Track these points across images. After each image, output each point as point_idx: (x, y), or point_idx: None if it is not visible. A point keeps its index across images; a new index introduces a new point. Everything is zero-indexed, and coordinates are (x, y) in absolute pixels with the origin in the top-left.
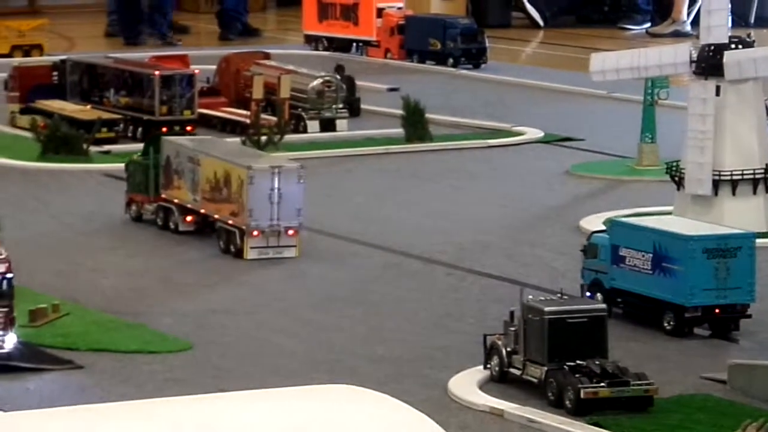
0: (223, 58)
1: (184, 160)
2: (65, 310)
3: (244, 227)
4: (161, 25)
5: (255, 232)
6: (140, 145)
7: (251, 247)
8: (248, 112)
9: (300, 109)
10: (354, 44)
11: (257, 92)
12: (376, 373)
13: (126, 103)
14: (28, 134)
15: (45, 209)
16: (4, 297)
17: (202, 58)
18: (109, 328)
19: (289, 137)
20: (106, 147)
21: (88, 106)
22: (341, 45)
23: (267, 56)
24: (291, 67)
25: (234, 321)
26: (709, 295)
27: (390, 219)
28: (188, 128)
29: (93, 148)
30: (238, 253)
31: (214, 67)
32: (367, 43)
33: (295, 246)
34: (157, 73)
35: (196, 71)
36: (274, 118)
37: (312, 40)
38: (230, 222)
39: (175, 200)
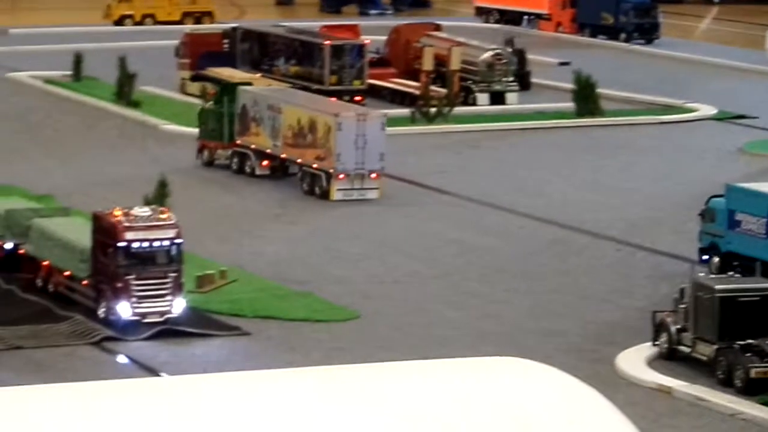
0: (394, 29)
1: (262, 108)
2: (232, 277)
3: (331, 170)
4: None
5: (341, 175)
6: None
7: (337, 189)
8: (418, 84)
9: (470, 82)
10: (525, 17)
11: (427, 64)
12: (543, 347)
13: (295, 72)
14: (197, 101)
15: (212, 176)
16: (173, 262)
17: (372, 28)
18: (276, 295)
19: (458, 109)
20: None
21: (258, 75)
22: (512, 18)
23: (437, 28)
24: (461, 39)
25: (401, 291)
26: None
27: (558, 193)
28: (357, 98)
29: None
30: (324, 195)
31: (384, 37)
32: (538, 16)
33: (377, 188)
34: (327, 42)
35: (367, 41)
36: (444, 90)
37: (483, 13)
38: (315, 166)
39: (252, 146)
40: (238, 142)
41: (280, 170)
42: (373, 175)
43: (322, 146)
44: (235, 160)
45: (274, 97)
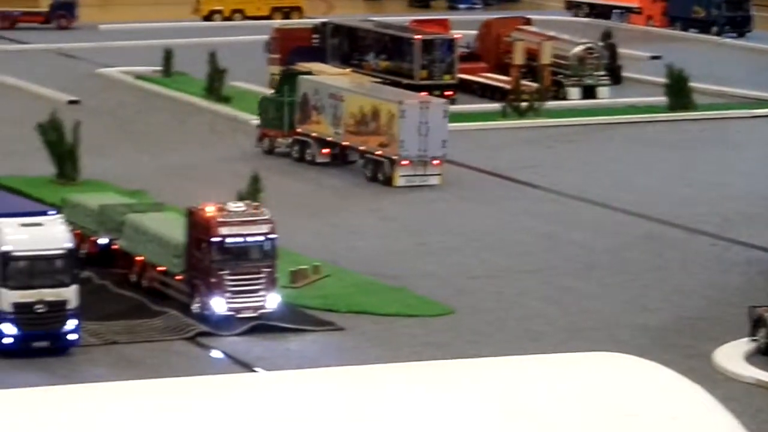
0: (484, 23)
1: (324, 97)
2: (326, 272)
3: (394, 157)
4: None
5: (405, 162)
6: None
7: (401, 175)
8: (508, 78)
9: (561, 76)
10: (615, 11)
11: (518, 58)
12: (638, 342)
13: (386, 67)
14: None
15: (303, 172)
16: (267, 257)
17: (462, 22)
18: (368, 290)
19: (549, 104)
20: None
21: (348, 70)
22: (602, 11)
23: (528, 22)
24: (552, 33)
25: (494, 286)
26: None
27: (652, 188)
28: (448, 93)
29: None
30: (387, 181)
31: (475, 32)
32: (629, 10)
33: (439, 174)
34: (418, 37)
35: (457, 36)
36: (535, 84)
37: (573, 6)
38: (378, 152)
39: (313, 134)
40: (299, 130)
41: (340, 158)
42: (436, 162)
43: (385, 133)
44: (296, 148)
45: (336, 85)
